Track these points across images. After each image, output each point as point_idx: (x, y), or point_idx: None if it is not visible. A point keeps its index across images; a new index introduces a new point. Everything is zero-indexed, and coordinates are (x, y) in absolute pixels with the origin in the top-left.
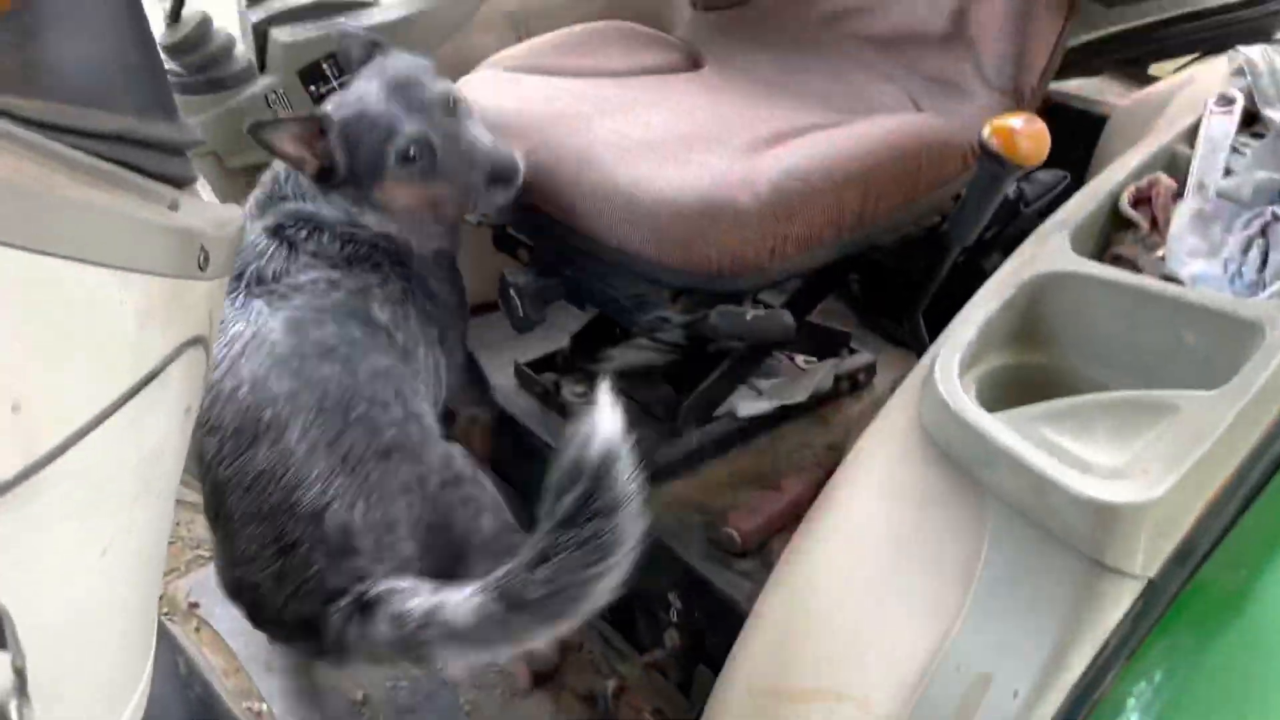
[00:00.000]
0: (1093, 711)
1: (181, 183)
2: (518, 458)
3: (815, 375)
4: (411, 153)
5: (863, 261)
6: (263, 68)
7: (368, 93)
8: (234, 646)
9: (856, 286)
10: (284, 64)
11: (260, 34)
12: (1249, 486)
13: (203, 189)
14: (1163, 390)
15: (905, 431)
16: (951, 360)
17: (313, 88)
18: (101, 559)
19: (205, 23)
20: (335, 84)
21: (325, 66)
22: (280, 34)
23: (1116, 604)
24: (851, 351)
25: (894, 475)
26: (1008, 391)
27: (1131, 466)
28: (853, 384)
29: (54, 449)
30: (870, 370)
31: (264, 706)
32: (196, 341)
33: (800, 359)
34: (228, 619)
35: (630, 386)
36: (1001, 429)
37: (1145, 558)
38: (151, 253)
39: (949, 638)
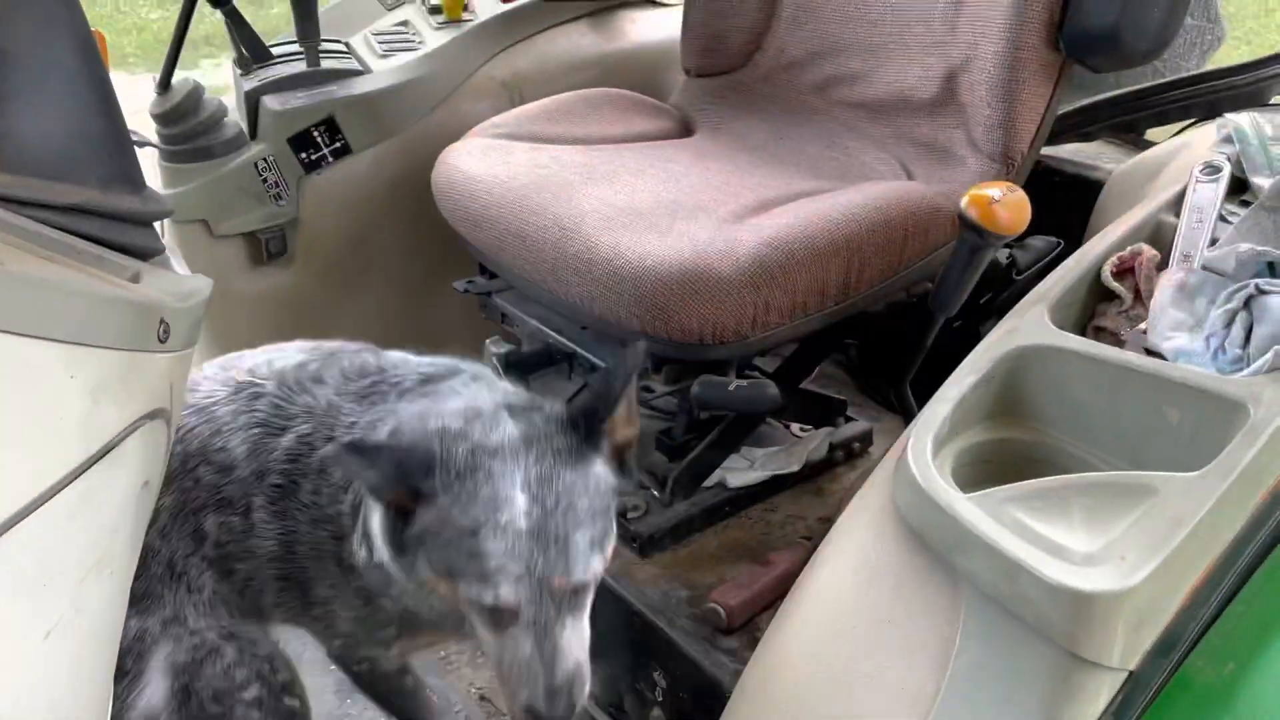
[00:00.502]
0: None
1: (147, 254)
2: None
3: (810, 444)
4: (493, 609)
5: (858, 327)
6: (254, 135)
7: (509, 498)
8: None
9: (854, 352)
10: (275, 131)
11: (252, 102)
12: (1235, 574)
13: (174, 259)
14: (1140, 471)
15: (882, 511)
16: (925, 439)
17: (303, 155)
18: (45, 642)
19: (196, 91)
20: (326, 150)
21: (316, 134)
22: (272, 102)
23: (1095, 698)
24: (848, 419)
25: (870, 556)
26: (988, 467)
27: (1108, 552)
28: (848, 453)
29: None
30: (867, 438)
31: None
32: (156, 415)
33: (796, 426)
34: None
35: None
36: (973, 511)
37: (1124, 649)
38: (106, 326)
39: None
